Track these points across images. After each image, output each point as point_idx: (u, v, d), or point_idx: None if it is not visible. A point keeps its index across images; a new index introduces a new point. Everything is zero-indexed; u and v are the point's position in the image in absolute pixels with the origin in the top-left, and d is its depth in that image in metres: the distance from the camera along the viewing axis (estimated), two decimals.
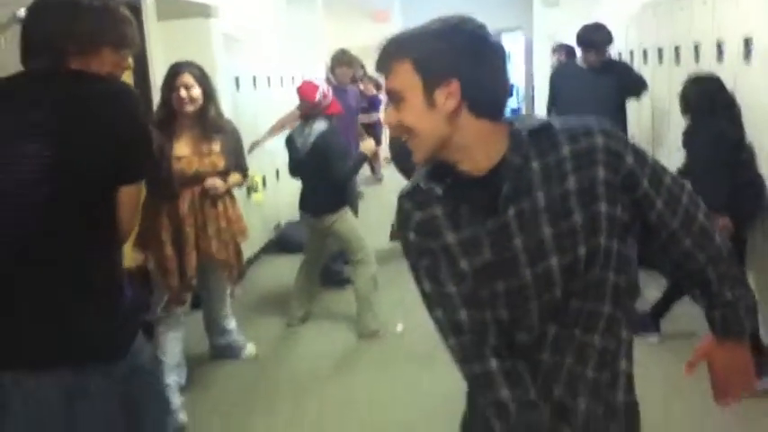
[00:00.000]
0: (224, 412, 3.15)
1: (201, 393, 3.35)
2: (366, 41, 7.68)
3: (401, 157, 5.54)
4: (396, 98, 1.20)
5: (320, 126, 3.90)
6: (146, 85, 4.45)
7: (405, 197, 1.29)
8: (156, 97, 4.64)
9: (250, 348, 3.76)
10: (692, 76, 3.43)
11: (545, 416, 1.21)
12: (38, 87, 1.52)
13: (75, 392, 1.49)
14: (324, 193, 3.95)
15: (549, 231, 1.17)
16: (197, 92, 3.06)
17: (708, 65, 3.85)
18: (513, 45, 12.20)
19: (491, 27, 1.23)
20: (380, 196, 7.58)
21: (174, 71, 3.08)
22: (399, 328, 4.04)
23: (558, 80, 4.85)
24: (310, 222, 4.09)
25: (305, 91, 3.91)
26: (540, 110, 8.08)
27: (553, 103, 4.87)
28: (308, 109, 3.93)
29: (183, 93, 3.03)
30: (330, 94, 3.99)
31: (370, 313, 4.01)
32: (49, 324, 1.49)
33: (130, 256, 3.11)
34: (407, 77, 1.17)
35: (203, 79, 3.10)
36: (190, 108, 3.05)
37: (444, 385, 3.32)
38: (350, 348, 3.94)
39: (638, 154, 1.21)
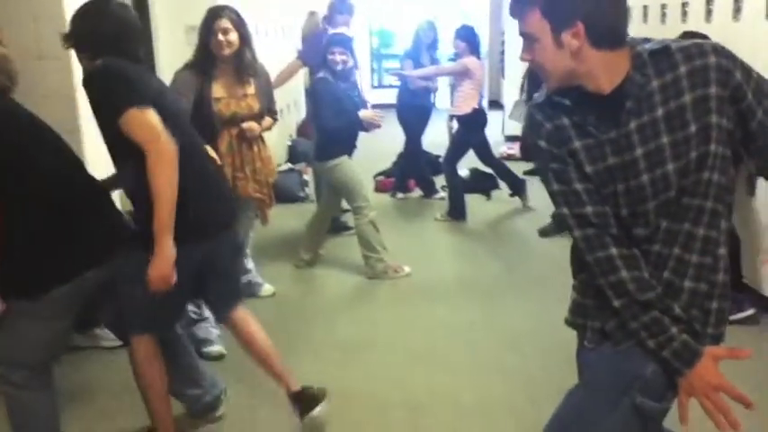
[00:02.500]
0: None
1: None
2: None
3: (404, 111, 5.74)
4: (529, 40, 1.39)
5: (319, 75, 4.13)
6: (146, 29, 4.42)
7: (535, 109, 1.48)
8: (160, 33, 4.64)
9: (267, 287, 3.91)
10: (680, 36, 3.64)
11: (660, 294, 1.41)
12: None
13: None
14: (319, 139, 4.16)
15: (666, 140, 1.36)
16: (234, 36, 3.12)
17: (695, 24, 4.07)
18: (476, 5, 12.31)
19: None
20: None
21: (213, 15, 3.13)
22: (407, 269, 4.26)
23: None
24: (316, 167, 4.26)
25: None
26: (514, 71, 8.27)
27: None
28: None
29: (221, 36, 3.09)
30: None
31: (374, 255, 4.20)
32: None
33: None
34: (537, 23, 1.36)
35: (240, 23, 3.16)
36: (227, 51, 3.11)
37: (458, 316, 3.63)
38: (361, 287, 4.15)
39: (745, 69, 1.39)
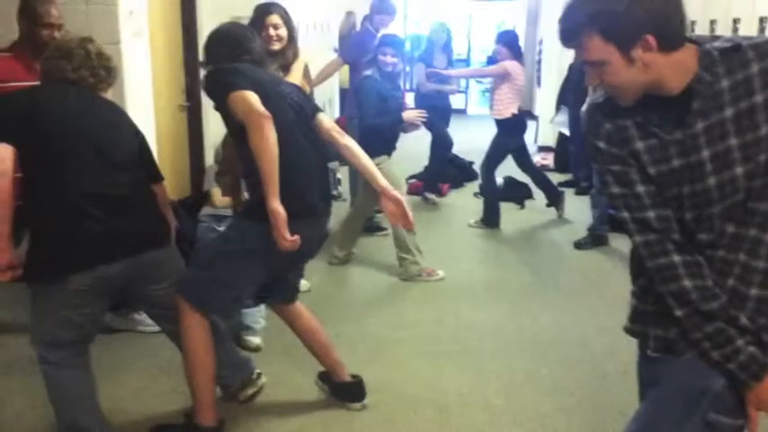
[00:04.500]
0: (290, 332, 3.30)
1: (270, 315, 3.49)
2: None
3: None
4: (595, 65, 1.33)
5: (367, 73, 4.18)
6: (192, 19, 4.49)
7: (595, 108, 1.43)
8: (203, 30, 4.69)
9: (304, 282, 3.92)
10: None
11: (724, 304, 1.36)
12: None
13: None
14: (362, 138, 4.14)
15: (735, 143, 1.30)
16: (284, 31, 3.20)
17: None
18: (512, 14, 12.29)
19: None
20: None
21: (264, 11, 3.21)
22: (440, 273, 4.25)
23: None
24: None
25: None
26: (550, 79, 8.25)
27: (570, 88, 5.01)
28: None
29: (271, 31, 3.16)
30: None
31: (409, 257, 4.19)
32: None
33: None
34: (601, 47, 1.29)
35: (288, 19, 3.22)
36: (277, 46, 3.18)
37: (487, 321, 3.63)
38: (393, 288, 4.15)
39: None
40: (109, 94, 2.36)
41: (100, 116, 2.27)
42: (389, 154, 4.23)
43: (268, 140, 2.09)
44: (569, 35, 1.33)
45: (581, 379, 2.99)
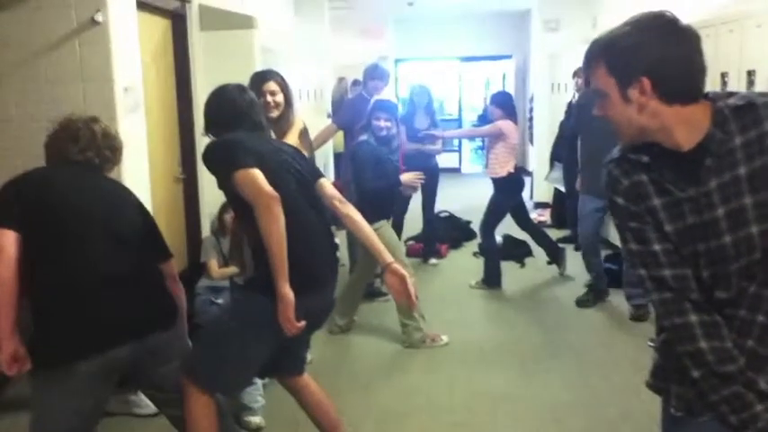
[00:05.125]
0: (293, 408, 3.16)
1: (267, 390, 3.36)
2: (362, 57, 7.94)
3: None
4: (600, 95, 1.38)
5: (362, 138, 4.17)
6: (188, 92, 4.52)
7: (612, 164, 1.42)
8: (199, 102, 4.73)
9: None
10: None
11: (742, 366, 1.31)
12: None
13: None
14: (360, 202, 4.08)
15: (750, 201, 1.29)
16: (281, 98, 3.19)
17: None
18: (504, 70, 12.54)
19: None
20: None
21: (262, 78, 3.21)
22: (444, 338, 4.14)
23: (581, 109, 4.95)
24: None
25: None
26: (542, 136, 8.34)
27: (576, 134, 5.05)
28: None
29: (269, 98, 3.15)
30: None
31: (413, 323, 4.10)
32: None
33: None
34: (604, 78, 1.34)
35: (285, 86, 3.22)
36: (275, 113, 3.17)
37: (498, 386, 3.51)
38: (397, 355, 4.04)
39: None
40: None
41: (108, 195, 2.24)
42: (388, 218, 4.19)
43: (277, 223, 2.07)
44: (587, 62, 1.39)
45: None
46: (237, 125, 2.34)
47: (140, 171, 3.60)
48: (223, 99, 2.41)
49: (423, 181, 4.29)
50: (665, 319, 1.36)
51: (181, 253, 4.68)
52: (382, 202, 4.11)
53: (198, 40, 4.71)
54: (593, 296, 4.81)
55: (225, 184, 2.19)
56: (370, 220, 3.99)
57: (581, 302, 4.81)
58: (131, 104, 3.49)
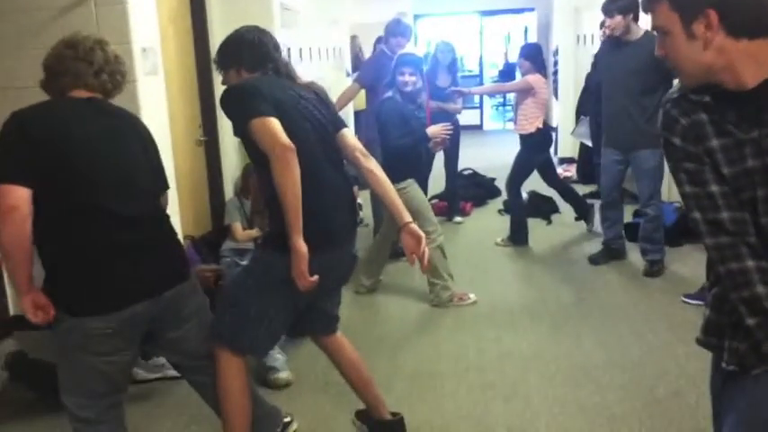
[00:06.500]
0: (323, 366, 3.16)
1: (297, 349, 3.37)
2: (381, 15, 7.75)
3: None
4: (661, 34, 1.30)
5: (387, 95, 4.05)
6: (206, 53, 4.42)
7: (670, 104, 1.35)
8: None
9: None
10: None
11: None
12: None
13: None
14: (386, 161, 3.99)
15: None
16: None
17: None
18: (526, 24, 12.23)
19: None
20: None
21: None
22: (472, 297, 4.10)
23: (599, 59, 4.85)
24: None
25: None
26: (567, 90, 8.14)
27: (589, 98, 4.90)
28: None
29: None
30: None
31: (441, 282, 4.05)
32: None
33: None
34: (666, 15, 1.28)
35: None
36: None
37: (527, 346, 3.46)
38: (424, 315, 4.00)
39: None
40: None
41: (120, 135, 2.10)
42: (415, 177, 4.10)
43: (292, 174, 2.00)
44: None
45: (636, 406, 2.82)
46: (258, 66, 2.25)
47: (161, 134, 3.53)
48: (248, 38, 2.29)
49: (451, 133, 4.18)
50: (721, 264, 1.30)
51: (204, 216, 4.66)
52: (409, 160, 4.01)
53: (216, 1, 4.60)
54: (605, 253, 4.72)
55: (242, 133, 2.12)
56: (397, 180, 3.93)
57: (593, 259, 4.73)
58: (150, 66, 3.42)
